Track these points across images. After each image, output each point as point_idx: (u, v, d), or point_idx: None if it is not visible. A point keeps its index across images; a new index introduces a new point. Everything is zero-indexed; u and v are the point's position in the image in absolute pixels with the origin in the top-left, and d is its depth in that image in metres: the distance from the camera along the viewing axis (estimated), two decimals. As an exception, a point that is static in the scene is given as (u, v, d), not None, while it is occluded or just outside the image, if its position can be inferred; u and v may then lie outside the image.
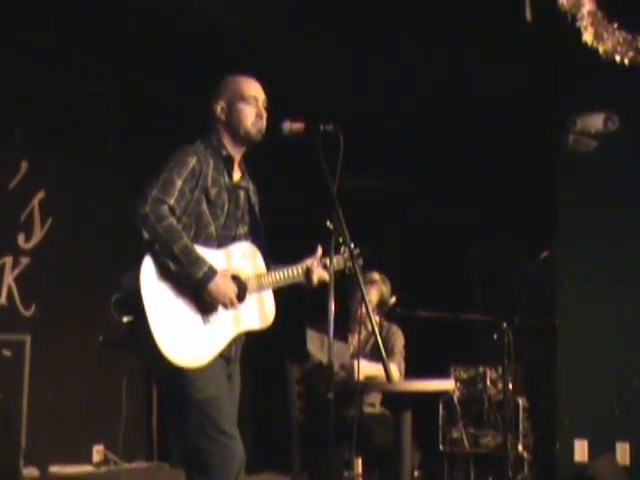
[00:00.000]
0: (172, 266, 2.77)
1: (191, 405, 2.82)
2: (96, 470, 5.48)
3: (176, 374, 2.79)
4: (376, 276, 4.53)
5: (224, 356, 2.92)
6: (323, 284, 3.09)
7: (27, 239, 5.30)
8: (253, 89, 3.06)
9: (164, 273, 2.79)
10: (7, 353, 4.75)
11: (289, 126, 2.97)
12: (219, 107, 3.05)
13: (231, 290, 2.87)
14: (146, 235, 2.76)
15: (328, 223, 2.91)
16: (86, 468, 5.43)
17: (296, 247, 3.16)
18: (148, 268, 2.78)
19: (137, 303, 2.74)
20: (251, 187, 3.17)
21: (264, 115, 3.04)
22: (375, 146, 6.38)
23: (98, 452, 5.53)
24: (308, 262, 3.14)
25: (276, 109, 3.11)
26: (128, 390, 5.53)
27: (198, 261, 2.80)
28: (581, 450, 5.21)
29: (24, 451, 4.76)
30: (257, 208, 3.18)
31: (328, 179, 2.87)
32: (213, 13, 5.06)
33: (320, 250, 3.14)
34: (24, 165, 5.28)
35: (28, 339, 4.86)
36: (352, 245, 3.22)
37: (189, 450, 2.85)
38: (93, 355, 5.28)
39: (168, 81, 5.72)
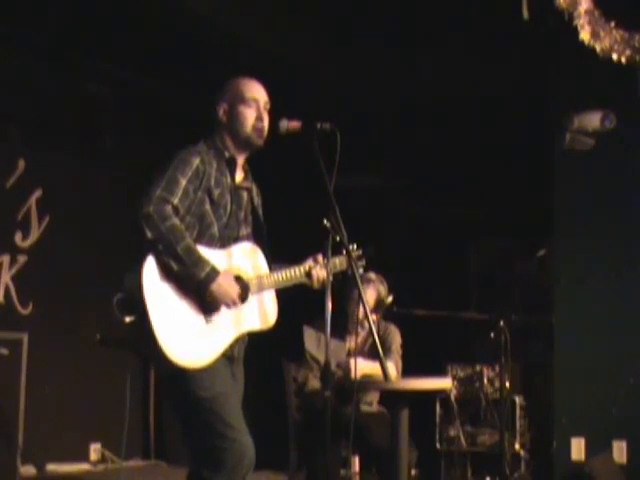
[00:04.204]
0: (175, 266, 2.77)
1: (198, 404, 2.82)
2: (93, 468, 5.48)
3: (181, 374, 2.79)
4: (372, 276, 4.53)
5: (227, 356, 2.92)
6: (326, 284, 3.08)
7: (24, 237, 5.30)
8: (254, 91, 3.05)
9: (166, 273, 2.79)
10: (4, 351, 4.74)
11: (286, 125, 2.97)
12: (221, 109, 3.05)
13: (233, 290, 2.87)
14: (149, 234, 2.76)
15: (325, 222, 2.92)
16: (83, 466, 5.44)
17: (295, 247, 3.16)
18: (150, 268, 2.78)
19: (139, 303, 2.74)
20: (254, 188, 3.17)
21: (265, 118, 3.03)
22: (374, 145, 6.39)
23: (95, 450, 5.53)
24: (310, 262, 3.14)
25: (275, 109, 3.12)
26: (125, 388, 5.52)
27: (201, 261, 2.80)
28: (578, 448, 5.21)
29: (21, 449, 4.75)
30: (260, 210, 3.18)
31: (325, 178, 2.87)
32: (213, 13, 5.06)
33: (321, 255, 3.13)
34: (21, 163, 5.28)
35: (25, 337, 4.86)
36: (355, 246, 3.23)
37: (199, 448, 2.85)
38: (90, 353, 5.28)
39: (167, 81, 5.72)
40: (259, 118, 3.02)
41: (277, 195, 4.30)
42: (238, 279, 2.94)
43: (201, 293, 2.82)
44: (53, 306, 5.35)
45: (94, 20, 4.96)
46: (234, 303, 2.87)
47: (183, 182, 2.86)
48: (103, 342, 4.91)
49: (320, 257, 3.13)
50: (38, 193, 5.38)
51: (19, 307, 5.24)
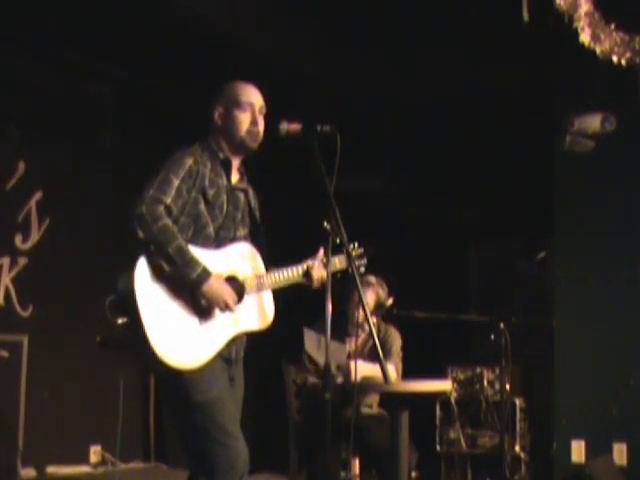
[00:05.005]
0: (166, 267, 2.77)
1: (193, 407, 2.82)
2: (93, 471, 5.47)
3: (176, 376, 2.79)
4: (372, 279, 4.52)
5: (224, 357, 2.92)
6: (324, 284, 3.07)
7: (24, 239, 5.29)
8: (248, 95, 3.05)
9: (159, 274, 2.79)
10: (4, 354, 4.74)
11: (286, 127, 2.97)
12: (217, 113, 3.06)
13: (226, 293, 2.86)
14: (141, 235, 2.77)
15: (325, 224, 2.91)
16: (83, 469, 5.43)
17: (295, 248, 3.16)
18: (142, 269, 2.78)
19: (131, 305, 2.74)
20: (251, 190, 3.17)
21: (260, 122, 3.04)
22: (374, 146, 6.39)
23: (95, 453, 5.53)
24: (309, 262, 3.14)
25: (275, 109, 3.11)
26: (125, 391, 5.52)
27: (192, 262, 2.80)
28: (578, 450, 5.22)
29: (21, 452, 4.75)
30: (257, 212, 3.18)
31: (325, 179, 2.87)
32: (212, 13, 5.05)
33: (322, 251, 3.13)
34: (21, 165, 5.27)
35: (25, 340, 4.86)
36: (355, 245, 3.23)
37: (193, 451, 2.85)
38: (90, 356, 5.26)
39: (167, 81, 5.72)
40: (254, 122, 3.03)
41: (277, 197, 4.30)
42: (233, 280, 2.94)
43: (194, 293, 2.82)
44: (53, 308, 5.33)
45: (94, 20, 4.95)
46: (226, 306, 2.87)
47: (176, 182, 2.86)
48: (103, 344, 4.91)
49: (320, 253, 3.13)
50: (38, 195, 5.36)
51: (19, 309, 5.22)
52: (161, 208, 2.81)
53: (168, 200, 2.83)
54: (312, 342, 4.33)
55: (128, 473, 5.49)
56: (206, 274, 2.81)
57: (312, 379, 4.42)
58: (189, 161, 2.92)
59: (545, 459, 5.44)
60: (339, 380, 4.14)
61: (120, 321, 2.78)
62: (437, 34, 5.20)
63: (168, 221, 2.81)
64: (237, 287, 2.94)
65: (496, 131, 6.10)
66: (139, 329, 2.72)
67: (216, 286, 2.83)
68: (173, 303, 2.81)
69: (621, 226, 5.29)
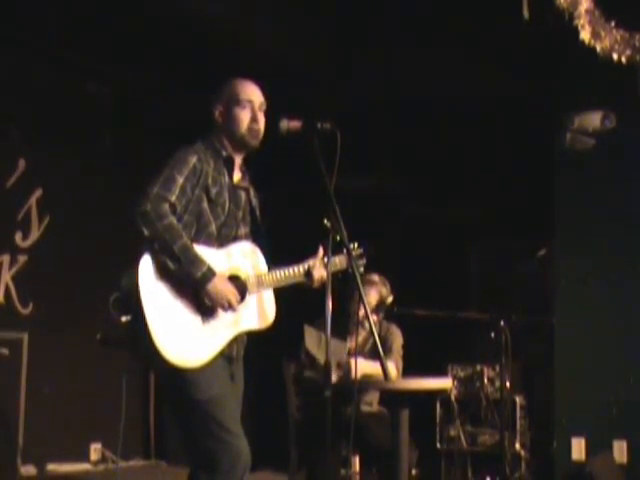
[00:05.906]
0: (171, 265, 2.77)
1: (194, 405, 2.82)
2: (93, 468, 5.48)
3: (177, 374, 2.79)
4: (375, 277, 4.52)
5: (225, 356, 2.92)
6: (325, 284, 3.08)
7: (24, 237, 5.31)
8: (248, 92, 3.06)
9: (163, 272, 2.79)
10: (4, 351, 4.75)
11: (286, 124, 2.96)
12: (217, 111, 3.07)
13: (230, 293, 2.86)
14: (146, 232, 2.77)
15: (325, 221, 2.92)
16: (83, 466, 5.44)
17: (295, 247, 3.16)
18: (146, 267, 2.78)
19: (135, 302, 2.74)
20: (251, 190, 3.18)
21: (260, 119, 3.04)
22: (373, 145, 6.39)
23: (95, 450, 5.53)
24: (310, 262, 3.14)
25: (276, 109, 3.12)
26: (126, 388, 5.52)
27: (197, 261, 2.80)
28: (578, 448, 5.21)
29: (21, 449, 4.76)
30: (258, 211, 3.18)
31: (325, 177, 2.87)
32: (213, 13, 5.06)
33: (322, 250, 3.14)
34: (21, 163, 5.29)
35: (25, 337, 4.86)
36: (355, 245, 3.23)
37: (195, 450, 2.85)
38: (90, 353, 5.27)
39: (167, 81, 5.73)
40: (254, 119, 3.03)
41: (277, 195, 4.30)
42: (235, 279, 2.94)
43: (198, 292, 2.82)
44: (53, 306, 5.35)
45: (94, 20, 4.96)
46: (230, 305, 2.87)
47: (180, 180, 2.87)
48: (103, 342, 4.92)
49: (320, 253, 3.13)
50: (38, 193, 5.38)
51: (19, 307, 5.24)
52: (166, 206, 2.81)
53: (172, 198, 2.83)
54: (312, 339, 4.33)
55: (128, 471, 5.50)
56: (211, 273, 2.81)
57: (308, 373, 4.41)
58: (193, 159, 2.92)
59: (545, 457, 5.44)
60: (338, 377, 4.14)
61: (124, 319, 2.78)
62: (437, 34, 5.20)
63: (173, 219, 2.81)
64: (239, 287, 2.94)
65: (496, 130, 6.10)
66: (142, 326, 2.72)
67: (220, 286, 2.83)
68: (176, 301, 2.81)
69: (621, 226, 5.29)
